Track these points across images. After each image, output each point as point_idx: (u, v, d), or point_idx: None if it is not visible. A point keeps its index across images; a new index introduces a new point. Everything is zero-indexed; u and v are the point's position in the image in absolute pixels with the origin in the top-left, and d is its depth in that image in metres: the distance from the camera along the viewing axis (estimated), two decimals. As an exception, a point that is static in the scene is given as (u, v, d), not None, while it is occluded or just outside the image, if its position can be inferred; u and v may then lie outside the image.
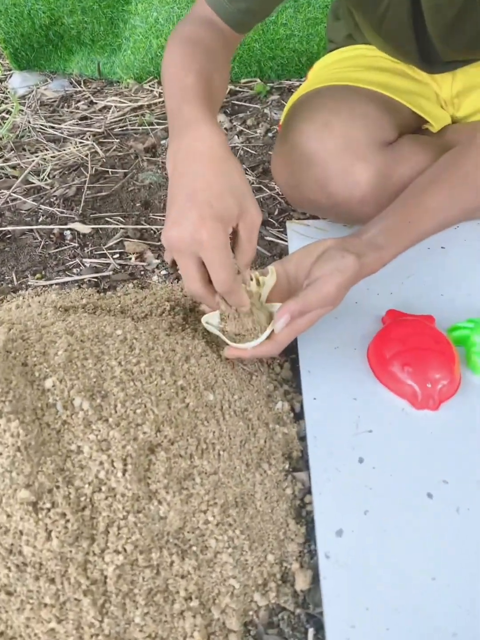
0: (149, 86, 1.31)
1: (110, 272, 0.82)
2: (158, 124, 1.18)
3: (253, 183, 0.98)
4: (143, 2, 1.26)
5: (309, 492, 0.53)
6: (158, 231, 0.91)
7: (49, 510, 0.39)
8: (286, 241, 0.85)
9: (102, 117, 1.20)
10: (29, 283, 0.82)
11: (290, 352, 0.66)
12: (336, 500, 0.51)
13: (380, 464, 0.54)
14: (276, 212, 0.92)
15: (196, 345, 0.58)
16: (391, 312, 0.67)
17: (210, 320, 0.59)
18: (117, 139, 1.14)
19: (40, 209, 0.96)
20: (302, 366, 0.63)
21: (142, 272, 0.83)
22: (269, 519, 0.49)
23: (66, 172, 1.06)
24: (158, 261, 0.84)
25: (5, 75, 1.41)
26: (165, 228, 0.51)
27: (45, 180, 1.03)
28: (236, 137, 1.13)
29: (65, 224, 0.92)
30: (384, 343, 0.62)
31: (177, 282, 0.78)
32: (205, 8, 0.68)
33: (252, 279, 0.59)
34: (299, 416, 0.60)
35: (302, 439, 0.58)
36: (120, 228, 0.91)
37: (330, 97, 0.76)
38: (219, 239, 0.48)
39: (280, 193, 0.95)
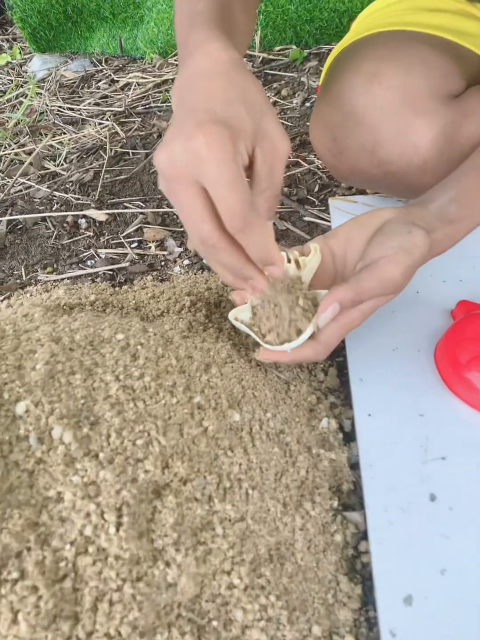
0: (174, 60, 1.20)
1: (127, 263, 0.72)
2: (183, 99, 1.07)
3: (289, 157, 0.86)
4: (165, -33, 1.15)
5: (365, 537, 0.41)
6: (181, 216, 0.80)
7: (15, 582, 0.29)
8: (329, 221, 0.72)
9: (123, 96, 1.11)
10: (39, 278, 0.73)
11: (337, 355, 0.54)
12: (402, 553, 0.39)
13: (458, 503, 0.41)
14: (316, 189, 0.79)
15: (219, 349, 0.47)
16: (463, 303, 0.54)
17: (239, 315, 0.47)
18: (139, 117, 1.04)
19: (55, 196, 0.87)
20: (352, 373, 0.51)
21: (163, 263, 0.72)
22: (313, 576, 0.38)
23: (84, 156, 0.96)
24: (180, 249, 0.73)
25: (24, 59, 1.33)
26: (155, 154, 0.37)
27: (62, 165, 0.94)
28: (270, 108, 1.01)
29: (81, 210, 0.83)
30: (457, 343, 0.49)
31: (202, 272, 0.67)
32: None
33: (290, 260, 0.47)
34: (349, 437, 0.48)
35: (355, 466, 0.46)
36: (140, 213, 0.81)
37: (381, 44, 0.63)
38: (223, 148, 0.34)
39: (321, 166, 0.82)
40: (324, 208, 0.75)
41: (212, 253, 0.38)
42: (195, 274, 0.67)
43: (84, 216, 0.82)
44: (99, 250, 0.76)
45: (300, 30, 1.20)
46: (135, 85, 1.12)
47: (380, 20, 0.69)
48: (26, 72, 1.27)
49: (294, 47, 1.19)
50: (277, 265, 0.42)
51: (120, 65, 1.22)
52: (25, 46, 1.37)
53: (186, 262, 0.71)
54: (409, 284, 0.47)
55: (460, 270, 0.60)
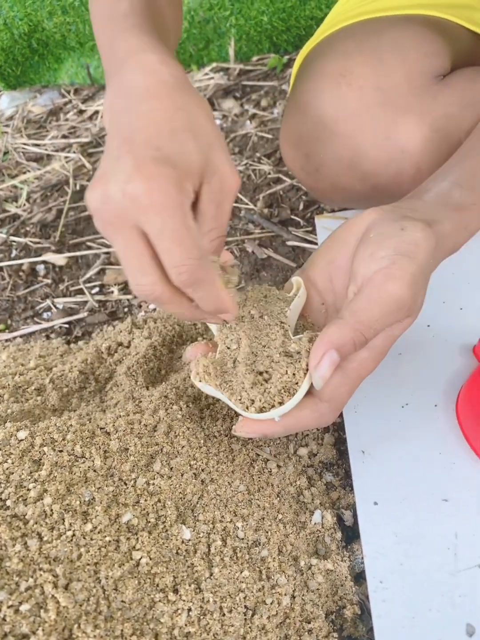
0: (146, 83, 1.12)
1: (86, 314, 0.62)
2: (155, 122, 0.98)
3: (269, 173, 0.76)
4: (128, -13, 1.08)
5: None
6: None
7: None
8: (317, 243, 0.61)
9: (91, 125, 1.03)
10: (-11, 338, 0.63)
11: (332, 415, 0.43)
12: None
13: (510, 638, 0.29)
14: (301, 207, 0.68)
15: (173, 424, 0.36)
16: (488, 338, 0.42)
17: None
18: (108, 146, 0.96)
19: (14, 242, 0.78)
20: (351, 444, 0.39)
21: (126, 309, 0.62)
22: None
23: (48, 194, 0.88)
24: (147, 292, 0.63)
25: (-6, 98, 1.27)
26: (87, 190, 0.31)
27: (23, 205, 0.86)
28: (248, 122, 0.92)
29: (40, 256, 0.74)
30: (486, 396, 0.37)
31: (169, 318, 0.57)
32: None
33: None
34: (351, 534, 0.36)
35: (360, 578, 0.34)
36: (103, 253, 0.71)
37: (347, 38, 0.52)
38: (167, 195, 0.29)
39: (305, 182, 0.72)
40: (311, 228, 0.64)
41: (158, 305, 0.33)
42: (156, 323, 0.56)
43: (43, 262, 0.73)
44: (57, 300, 0.66)
45: (277, 40, 1.12)
46: (102, 114, 1.04)
47: (348, 12, 0.59)
48: (-5, 112, 1.20)
49: (273, 55, 1.10)
50: (231, 312, 0.33)
51: (90, 95, 1.14)
52: (-5, 85, 1.32)
53: (152, 305, 0.61)
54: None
55: (480, 293, 0.48)
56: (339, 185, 0.51)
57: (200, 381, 0.34)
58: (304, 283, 0.38)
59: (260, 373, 0.34)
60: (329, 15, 0.68)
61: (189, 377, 0.43)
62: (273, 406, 0.32)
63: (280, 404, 0.32)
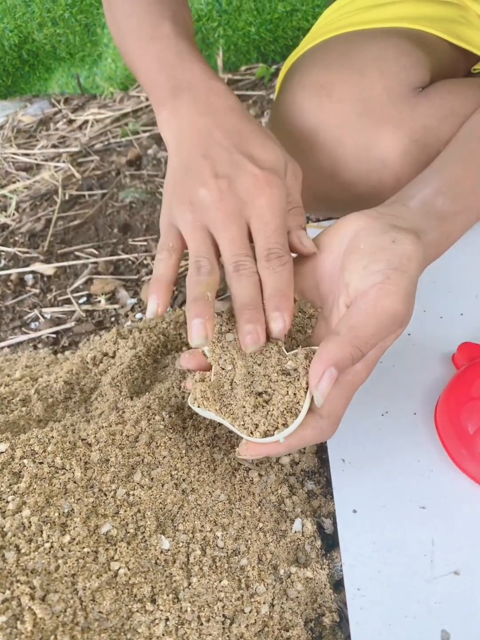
0: (136, 92, 1.13)
1: (73, 323, 0.63)
2: (144, 131, 0.99)
3: (256, 183, 0.76)
4: None
5: None
6: (137, 261, 0.70)
7: None
8: (301, 254, 0.62)
9: (81, 135, 1.03)
10: (-23, 348, 0.63)
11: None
12: None
13: (483, 643, 0.29)
14: (287, 217, 0.69)
15: (155, 434, 0.37)
16: (467, 346, 0.43)
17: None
18: (97, 155, 0.96)
19: (2, 251, 0.78)
20: (331, 452, 0.40)
21: (113, 318, 0.62)
22: None
23: (37, 203, 0.88)
24: (134, 300, 0.64)
25: (-16, 107, 1.27)
26: (192, 187, 0.39)
27: (12, 215, 0.86)
28: (236, 132, 0.92)
29: (28, 265, 0.74)
30: (462, 405, 0.37)
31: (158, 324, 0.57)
32: None
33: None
34: (331, 542, 0.37)
35: (340, 585, 0.34)
36: (91, 262, 0.71)
37: (328, 51, 0.54)
38: (279, 197, 0.38)
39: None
40: (296, 238, 0.65)
41: (236, 277, 0.37)
42: (141, 332, 0.56)
43: (31, 271, 0.73)
44: (44, 310, 0.66)
45: (265, 50, 1.13)
46: (93, 122, 1.05)
47: (330, 25, 0.60)
48: (-15, 121, 1.21)
49: (261, 65, 1.11)
50: (286, 317, 0.35)
51: (80, 104, 1.15)
52: (-14, 95, 1.32)
53: (139, 315, 0.61)
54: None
55: (461, 301, 0.49)
56: (320, 195, 0.52)
57: (198, 407, 0.34)
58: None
59: (260, 394, 0.33)
60: (313, 27, 0.69)
61: (174, 387, 0.44)
62: (277, 428, 0.32)
63: (284, 425, 0.32)
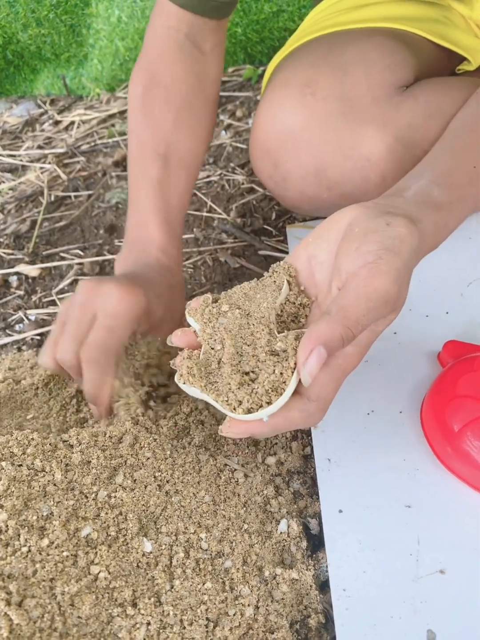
0: (123, 93, 1.12)
1: (58, 325, 0.62)
2: (131, 132, 0.98)
3: (243, 183, 0.76)
4: (102, 1, 1.08)
5: None
6: (123, 262, 0.70)
7: None
8: (288, 252, 0.62)
9: (67, 136, 1.02)
10: (-39, 351, 0.62)
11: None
12: None
13: (469, 642, 0.29)
14: (273, 216, 0.69)
15: (137, 434, 0.36)
16: (452, 344, 0.43)
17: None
18: (83, 156, 0.95)
19: (-14, 253, 0.77)
20: (317, 451, 0.39)
21: (98, 320, 0.62)
22: None
23: (22, 205, 0.87)
24: (120, 302, 0.63)
25: (-31, 109, 1.26)
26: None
27: (-3, 217, 0.85)
28: (223, 132, 0.92)
29: (13, 267, 0.73)
30: (447, 403, 0.37)
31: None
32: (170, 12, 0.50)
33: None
34: (317, 542, 0.36)
35: (325, 586, 0.34)
36: (76, 263, 0.71)
37: (312, 51, 0.54)
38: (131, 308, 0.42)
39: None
40: (282, 238, 0.65)
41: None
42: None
43: (16, 273, 0.72)
44: (29, 311, 0.65)
45: (252, 51, 1.13)
46: (79, 124, 1.04)
47: (315, 25, 0.60)
48: (-30, 122, 1.20)
49: (248, 66, 1.11)
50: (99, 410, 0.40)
51: (66, 105, 1.14)
52: (-29, 96, 1.31)
53: (125, 317, 0.60)
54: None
55: (446, 300, 0.49)
56: (306, 194, 0.52)
57: (184, 383, 0.33)
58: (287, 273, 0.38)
59: (247, 373, 0.33)
60: (299, 28, 0.70)
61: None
62: (261, 406, 0.31)
63: (269, 403, 0.31)
